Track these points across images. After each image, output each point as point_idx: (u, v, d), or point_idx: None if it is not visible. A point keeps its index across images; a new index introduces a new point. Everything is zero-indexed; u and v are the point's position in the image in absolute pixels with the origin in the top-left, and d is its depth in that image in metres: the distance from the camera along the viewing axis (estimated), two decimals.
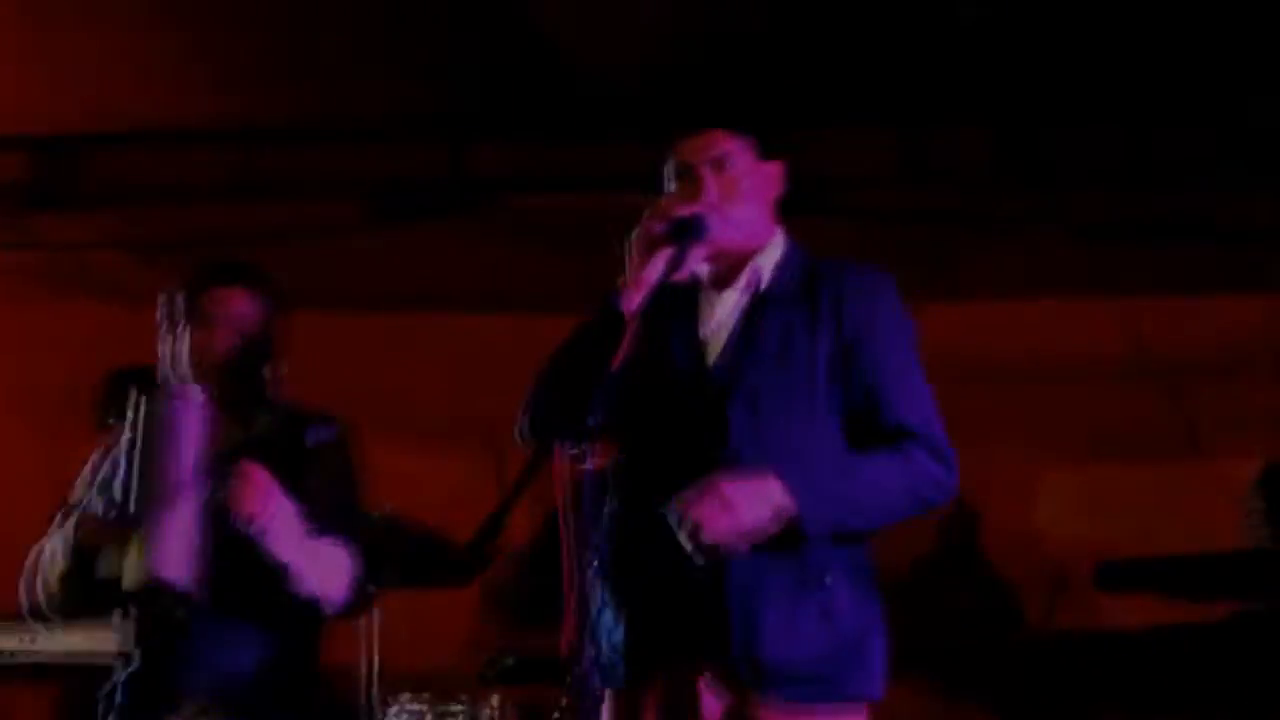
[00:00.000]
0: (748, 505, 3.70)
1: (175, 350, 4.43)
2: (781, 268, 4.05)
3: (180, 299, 4.43)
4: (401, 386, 7.40)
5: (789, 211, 4.16)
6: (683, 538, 3.70)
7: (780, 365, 3.93)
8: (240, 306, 4.42)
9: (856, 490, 3.85)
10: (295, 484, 4.28)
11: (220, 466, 4.23)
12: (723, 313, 4.04)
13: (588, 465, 3.89)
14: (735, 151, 4.03)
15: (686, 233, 3.94)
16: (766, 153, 4.09)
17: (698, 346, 4.01)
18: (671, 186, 4.07)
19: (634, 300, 3.88)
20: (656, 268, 3.91)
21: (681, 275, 3.95)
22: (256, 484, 4.18)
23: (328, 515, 4.31)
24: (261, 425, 4.44)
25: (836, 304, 3.97)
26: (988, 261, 7.37)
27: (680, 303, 4.06)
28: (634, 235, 3.97)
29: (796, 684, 3.79)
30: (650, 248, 3.92)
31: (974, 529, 7.76)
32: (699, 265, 4.02)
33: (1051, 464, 7.62)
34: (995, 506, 7.55)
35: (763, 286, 4.03)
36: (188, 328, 4.41)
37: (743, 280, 4.04)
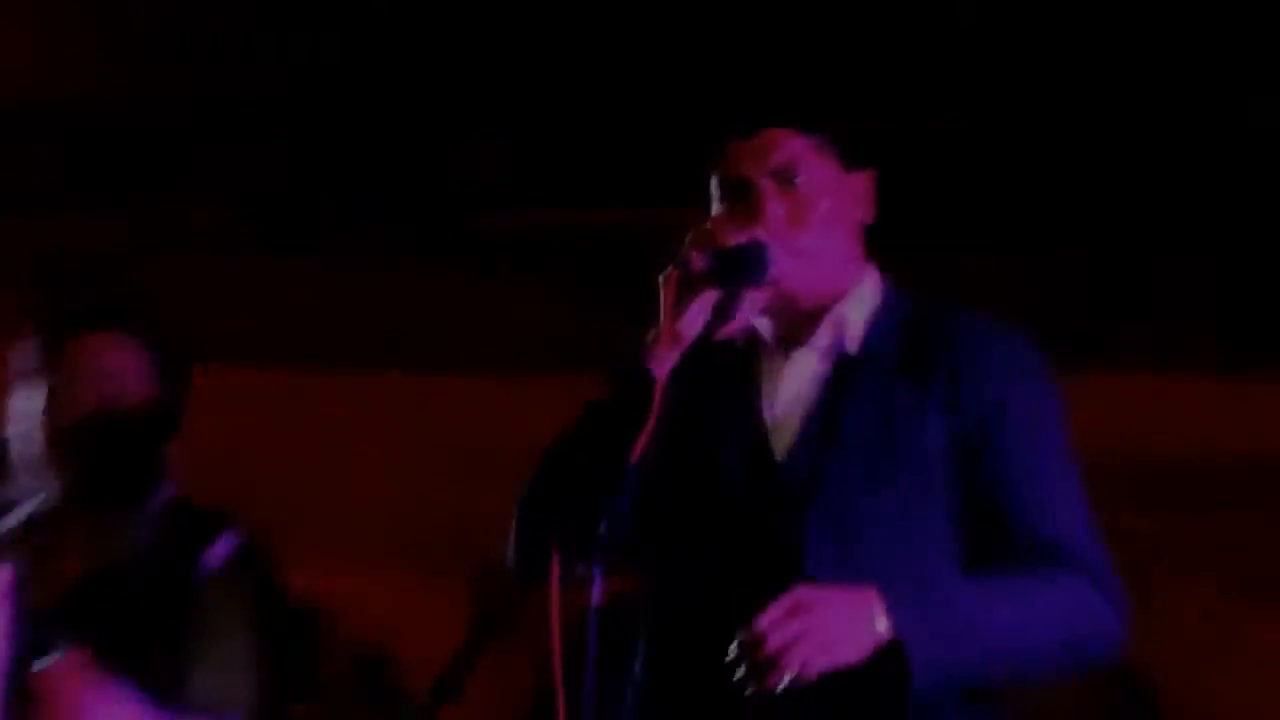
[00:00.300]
0: (847, 630, 2.66)
1: (24, 420, 3.26)
2: (876, 321, 2.97)
3: (34, 347, 3.26)
4: (334, 472, 5.73)
5: (886, 242, 3.02)
6: (744, 666, 2.65)
7: (877, 460, 2.86)
8: (114, 361, 3.24)
9: (987, 629, 2.75)
10: (172, 647, 3.12)
11: (39, 641, 3.06)
12: (794, 385, 2.96)
13: (595, 595, 2.77)
14: (808, 157, 2.96)
15: (740, 270, 2.88)
16: (853, 158, 2.98)
17: (759, 433, 2.94)
18: (719, 207, 2.99)
19: (665, 364, 2.84)
20: (697, 319, 2.86)
21: (733, 330, 2.91)
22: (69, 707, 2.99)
23: (217, 693, 3.13)
24: (127, 543, 3.23)
25: (955, 372, 2.89)
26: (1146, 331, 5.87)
27: (732, 370, 3.00)
28: (666, 273, 2.90)
29: None
30: (689, 290, 2.87)
31: (1148, 708, 5.65)
32: (757, 317, 2.96)
33: (1261, 615, 5.66)
34: (1177, 675, 5.50)
35: (850, 348, 2.95)
36: (42, 387, 3.24)
37: (821, 339, 2.96)
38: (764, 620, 2.63)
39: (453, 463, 4.54)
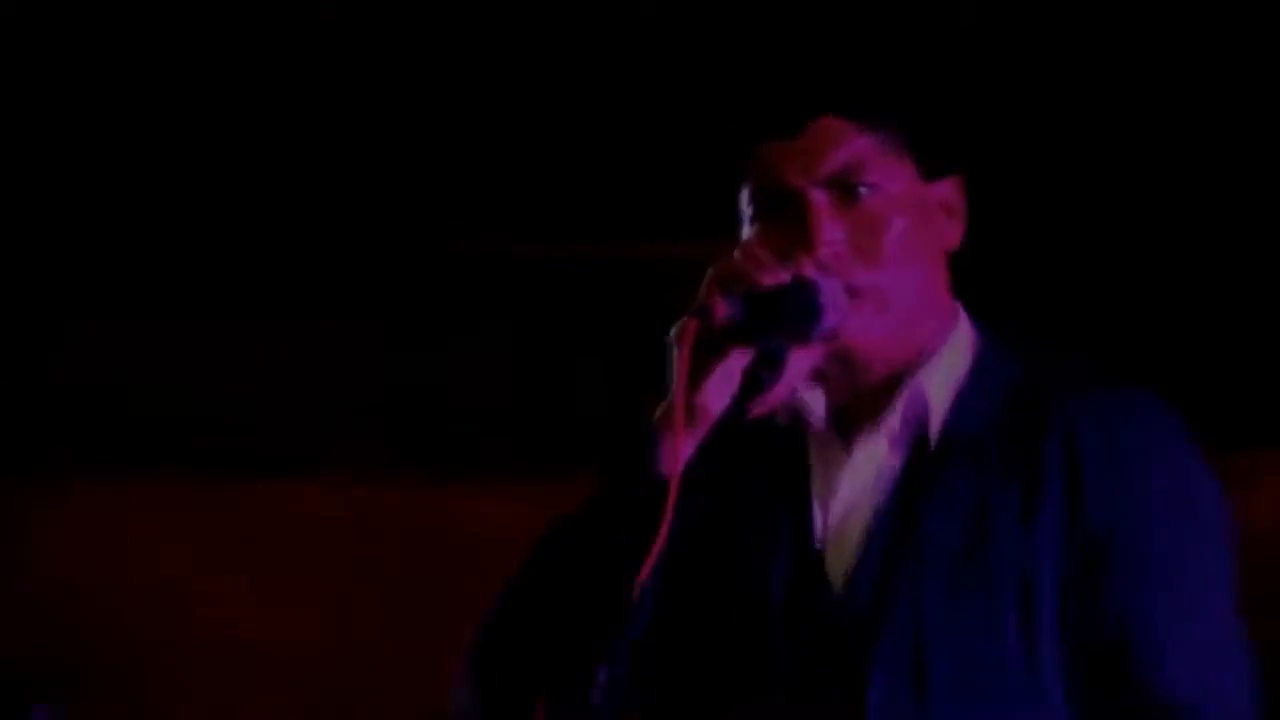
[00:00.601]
0: None
1: None
2: (969, 394, 2.18)
3: None
4: (220, 600, 4.64)
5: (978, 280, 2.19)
6: None
7: (965, 588, 2.10)
8: None
9: None
10: None
11: None
12: (856, 485, 2.18)
13: None
14: (876, 159, 2.16)
15: (781, 320, 2.09)
16: (938, 159, 2.18)
17: (809, 550, 2.17)
18: (751, 230, 2.19)
19: (681, 453, 2.05)
20: (722, 390, 2.09)
21: (771, 405, 2.12)
22: None
23: None
24: None
25: (1076, 469, 2.11)
26: None
27: (773, 461, 2.22)
28: (680, 326, 2.10)
29: None
30: (711, 350, 2.08)
31: None
32: (806, 387, 2.17)
33: None
34: None
35: (934, 431, 2.16)
36: None
37: (894, 420, 2.18)
38: None
39: (380, 590, 3.68)
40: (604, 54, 4.12)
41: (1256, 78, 4.00)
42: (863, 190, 2.12)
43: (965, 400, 2.15)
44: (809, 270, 2.09)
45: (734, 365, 2.06)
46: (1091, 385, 2.15)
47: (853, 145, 2.13)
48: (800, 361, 2.09)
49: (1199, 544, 2.11)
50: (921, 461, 2.13)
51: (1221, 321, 4.15)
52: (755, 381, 2.06)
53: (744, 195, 2.18)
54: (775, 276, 2.07)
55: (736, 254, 2.11)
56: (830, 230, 2.11)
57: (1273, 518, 3.70)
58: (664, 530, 2.01)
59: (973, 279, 2.22)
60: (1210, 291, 4.16)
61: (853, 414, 2.17)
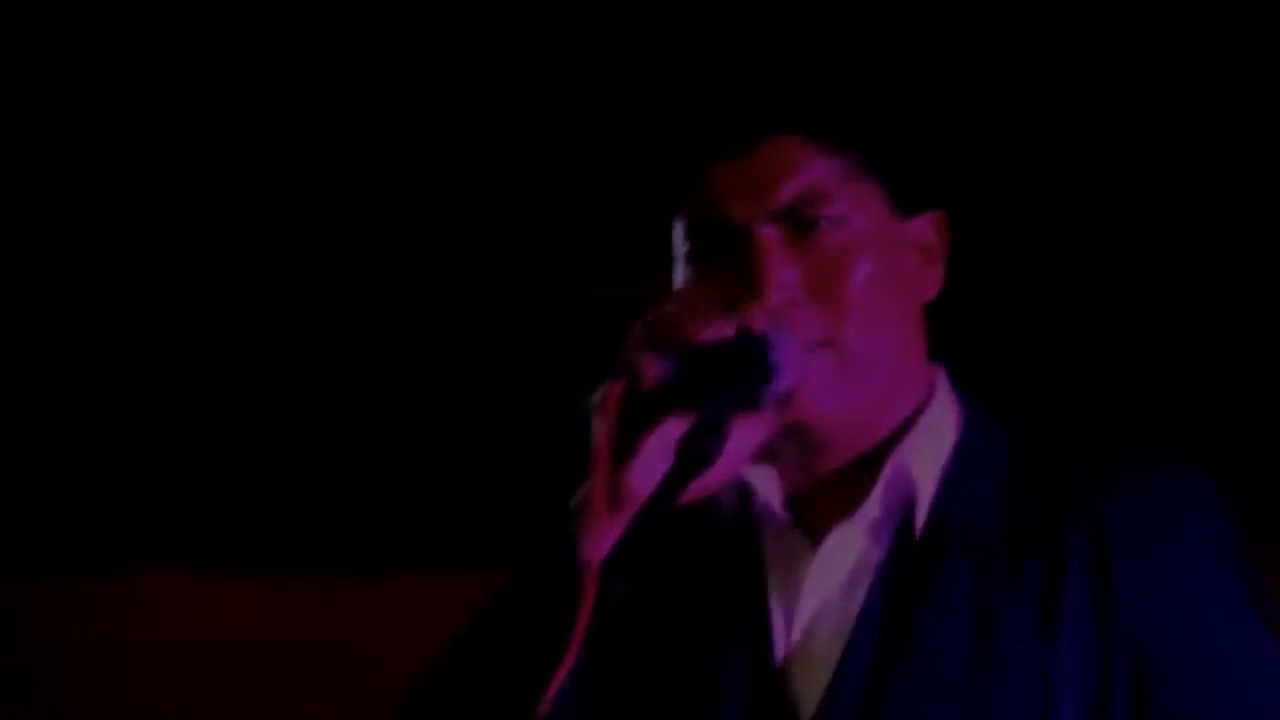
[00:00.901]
0: None
1: None
2: (959, 472, 1.82)
3: None
4: None
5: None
6: None
7: (969, 714, 1.72)
8: None
9: None
10: None
11: None
12: (825, 588, 1.82)
13: None
14: (840, 188, 1.80)
15: (725, 383, 1.73)
16: (911, 195, 1.83)
17: (769, 672, 1.80)
18: (688, 271, 1.85)
19: (604, 541, 1.69)
20: (654, 466, 1.71)
21: (712, 485, 1.74)
22: None
23: None
24: None
25: (1104, 562, 1.74)
26: None
27: (719, 555, 1.86)
28: (602, 391, 1.74)
29: None
30: (639, 418, 1.72)
31: None
32: (756, 465, 1.82)
33: None
34: None
35: (919, 520, 1.79)
36: None
37: (871, 508, 1.82)
38: None
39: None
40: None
41: (1247, 115, 3.68)
42: (822, 224, 1.77)
43: (955, 481, 1.80)
44: (758, 322, 1.73)
45: (667, 437, 1.70)
46: (1110, 458, 1.79)
47: (812, 171, 1.78)
48: (747, 433, 1.73)
49: (1261, 645, 1.76)
50: (908, 560, 1.78)
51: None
52: (693, 457, 1.70)
53: (680, 229, 1.82)
54: (717, 330, 1.72)
55: (670, 302, 1.75)
56: (783, 273, 1.75)
57: None
58: (579, 630, 1.65)
59: (952, 336, 1.86)
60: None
61: (817, 499, 1.82)
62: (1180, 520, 1.75)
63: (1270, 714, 1.73)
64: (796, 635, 1.78)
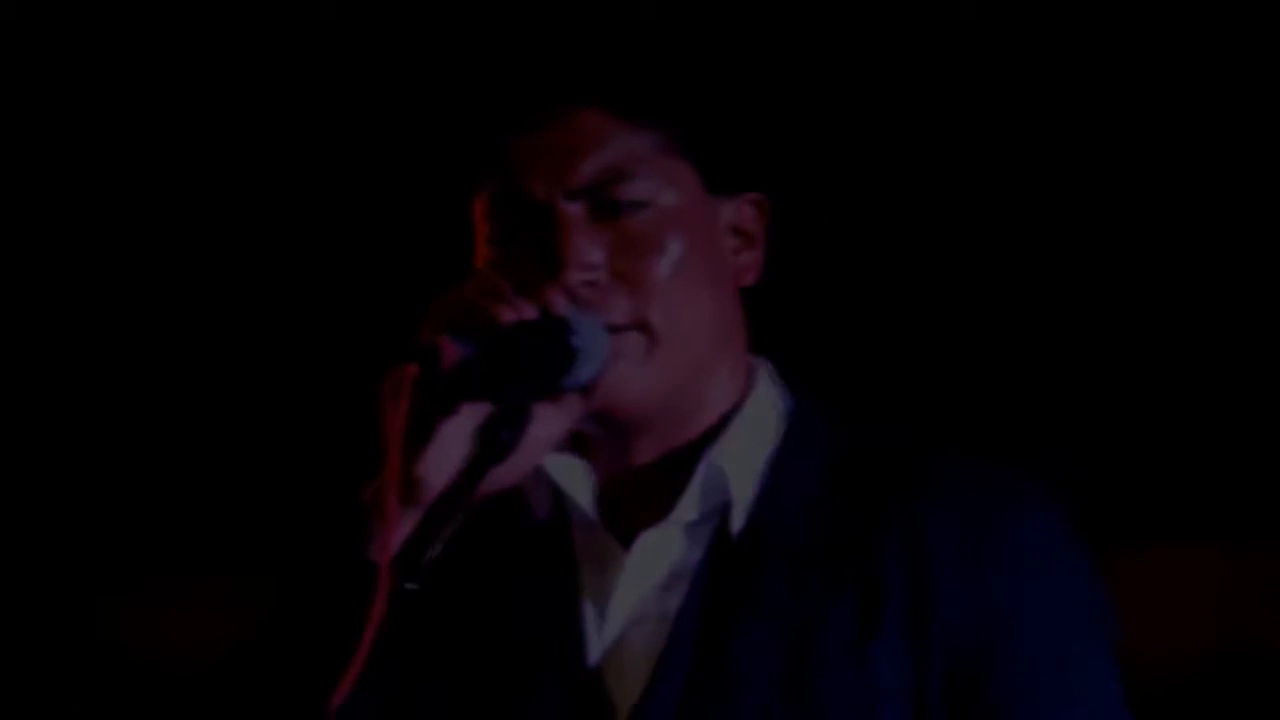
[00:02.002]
0: None
1: None
2: (782, 472, 1.74)
3: None
4: None
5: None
6: None
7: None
8: None
9: None
10: None
11: None
12: (641, 591, 1.74)
13: None
14: (647, 164, 1.70)
15: (526, 368, 1.64)
16: (727, 169, 1.73)
17: (582, 681, 1.71)
18: (487, 250, 1.74)
19: (389, 540, 1.58)
20: (449, 457, 1.63)
21: (509, 480, 1.66)
22: None
23: None
24: None
25: (924, 566, 1.67)
26: None
27: (525, 553, 1.76)
28: (393, 374, 1.63)
29: None
30: (434, 406, 1.63)
31: None
32: (565, 467, 1.75)
33: None
34: None
35: (736, 524, 1.71)
36: None
37: (686, 509, 1.74)
38: None
39: None
40: None
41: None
42: (624, 200, 1.68)
43: (777, 482, 1.72)
44: (558, 304, 1.65)
45: (464, 425, 1.62)
46: (934, 459, 1.73)
47: (617, 146, 1.69)
48: (550, 421, 1.64)
49: (1090, 656, 1.70)
50: (724, 563, 1.69)
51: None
52: (492, 446, 1.61)
53: (480, 206, 1.73)
54: (516, 312, 1.62)
55: (469, 282, 1.66)
56: (586, 252, 1.66)
57: None
58: (368, 634, 1.55)
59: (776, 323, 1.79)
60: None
61: (629, 497, 1.73)
62: (1001, 524, 1.68)
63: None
64: (610, 638, 1.69)
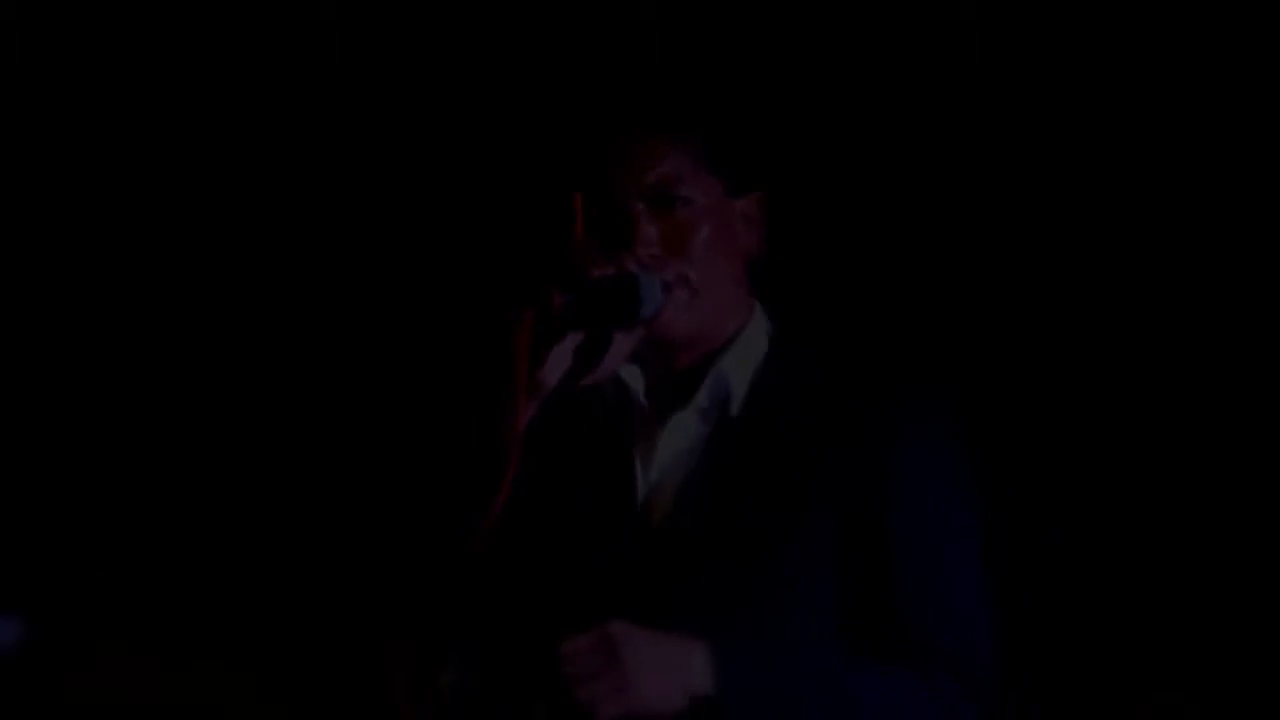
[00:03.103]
0: (652, 678, 2.39)
1: None
2: (764, 377, 2.60)
3: None
4: None
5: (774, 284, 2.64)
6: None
7: (758, 537, 2.51)
8: None
9: (825, 706, 2.43)
10: None
11: None
12: (671, 450, 2.59)
13: None
14: (692, 176, 2.56)
15: (607, 308, 2.50)
16: (741, 177, 2.61)
17: (632, 505, 2.58)
18: (583, 229, 2.61)
19: (521, 418, 2.47)
20: (557, 367, 2.48)
21: (596, 380, 2.53)
22: None
23: None
24: None
25: (849, 438, 2.52)
26: None
27: (603, 426, 2.63)
28: (520, 314, 2.50)
29: None
30: (547, 333, 2.48)
31: None
32: (625, 366, 2.58)
33: None
34: None
35: (735, 409, 2.58)
36: None
37: (702, 399, 2.59)
38: (567, 648, 2.35)
39: None
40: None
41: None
42: (680, 199, 2.53)
43: (761, 382, 2.57)
44: (630, 266, 2.50)
45: (567, 346, 2.46)
46: (870, 371, 2.57)
47: (671, 161, 2.54)
48: (622, 344, 2.49)
49: (952, 503, 2.53)
50: (725, 433, 2.54)
51: None
52: (585, 360, 2.46)
53: (579, 199, 2.58)
54: (602, 272, 2.48)
55: (570, 252, 2.51)
56: (649, 234, 2.51)
57: None
58: (507, 479, 2.41)
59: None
60: None
61: (666, 392, 2.57)
62: (925, 425, 2.51)
63: (946, 562, 2.48)
64: (650, 482, 2.55)
